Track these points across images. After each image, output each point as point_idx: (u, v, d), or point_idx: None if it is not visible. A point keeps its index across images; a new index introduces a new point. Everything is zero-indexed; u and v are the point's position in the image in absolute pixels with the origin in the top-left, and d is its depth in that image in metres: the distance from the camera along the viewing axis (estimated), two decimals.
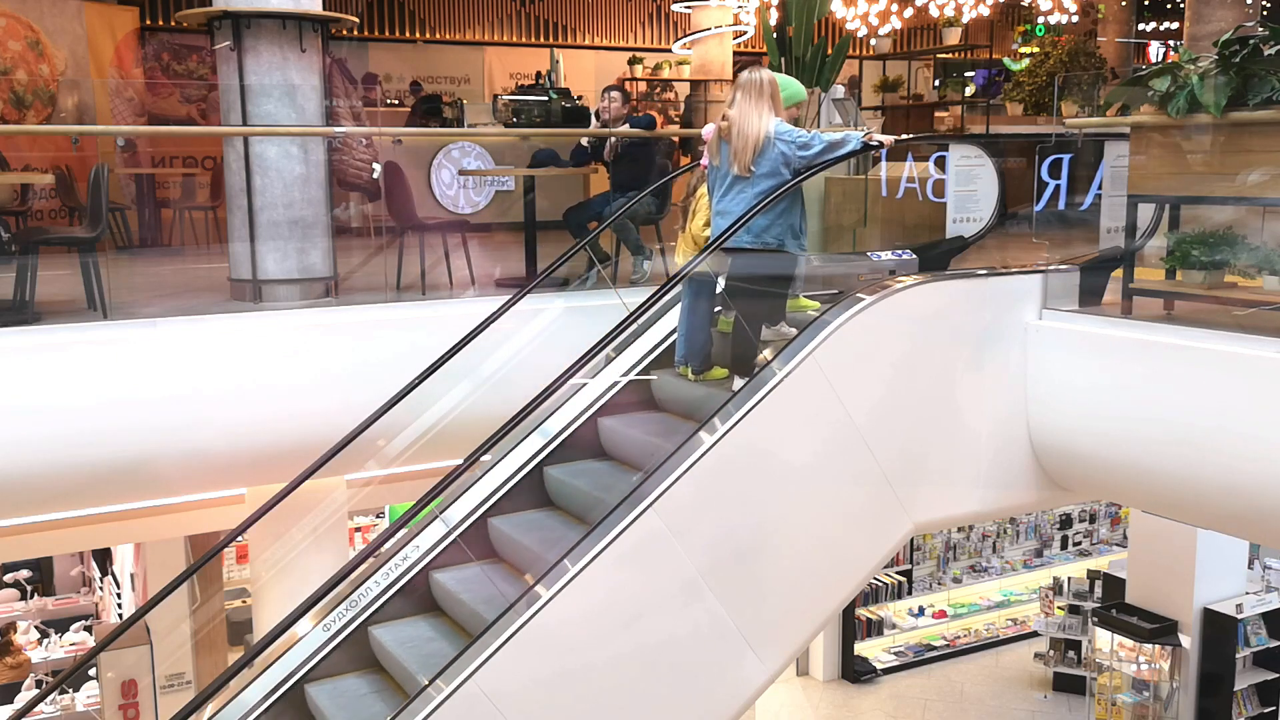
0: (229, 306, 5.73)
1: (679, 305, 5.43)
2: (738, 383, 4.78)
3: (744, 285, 5.10)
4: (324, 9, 5.95)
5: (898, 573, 11.68)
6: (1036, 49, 12.09)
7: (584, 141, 7.06)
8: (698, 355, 5.30)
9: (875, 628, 11.30)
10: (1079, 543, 12.78)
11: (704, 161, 5.35)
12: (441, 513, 5.07)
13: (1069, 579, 10.94)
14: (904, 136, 5.41)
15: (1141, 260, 5.20)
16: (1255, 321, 4.47)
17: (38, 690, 7.99)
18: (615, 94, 6.91)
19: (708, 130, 5.17)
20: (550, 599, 4.09)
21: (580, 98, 10.09)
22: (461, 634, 4.68)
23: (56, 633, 9.38)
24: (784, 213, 4.98)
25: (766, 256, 5.03)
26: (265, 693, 4.64)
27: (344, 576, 4.42)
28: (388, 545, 4.97)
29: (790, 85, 5.30)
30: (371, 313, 5.70)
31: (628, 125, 6.91)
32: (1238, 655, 9.06)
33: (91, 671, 8.25)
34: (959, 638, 11.60)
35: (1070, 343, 5.00)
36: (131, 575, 9.13)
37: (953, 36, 14.38)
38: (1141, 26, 19.31)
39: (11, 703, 8.25)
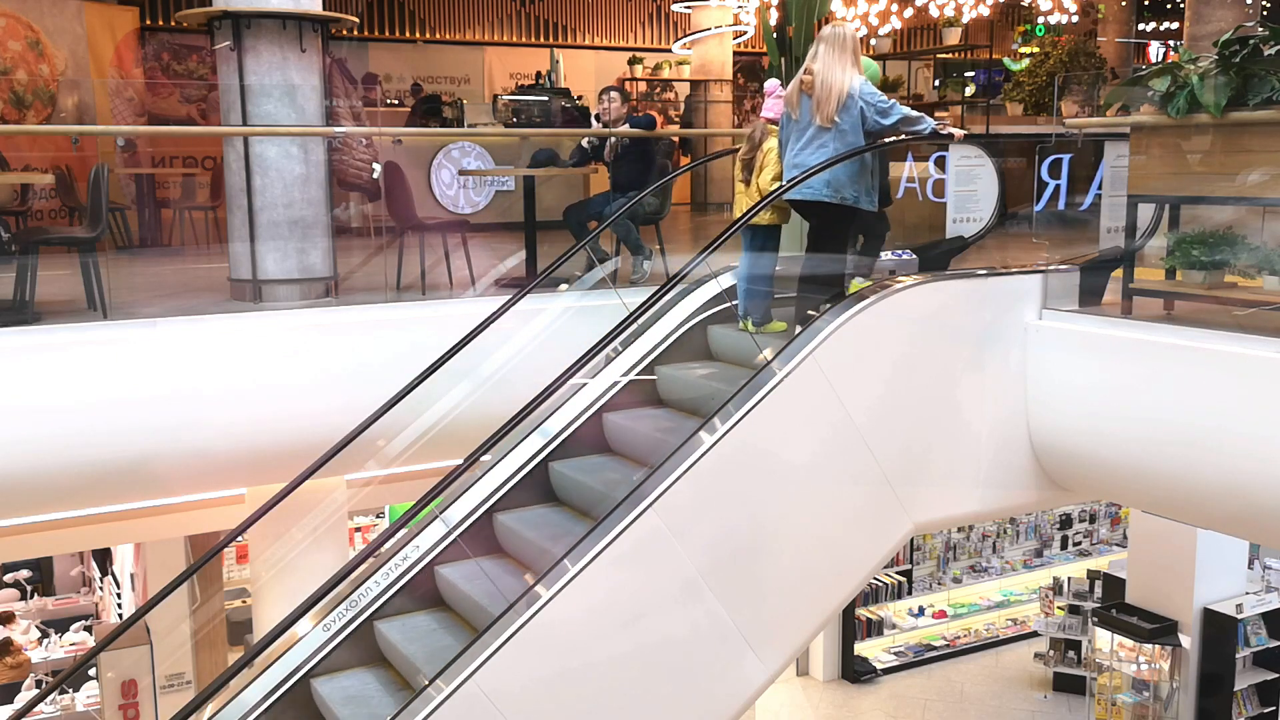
0: (229, 306, 5.73)
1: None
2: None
3: (824, 235, 5.26)
4: (324, 9, 5.95)
5: (898, 573, 11.68)
6: (1036, 49, 12.11)
7: (584, 142, 7.06)
8: (759, 309, 5.50)
9: (875, 628, 11.30)
10: (1079, 543, 12.78)
11: (765, 114, 5.47)
12: (441, 513, 5.07)
13: (1069, 579, 10.94)
14: (968, 131, 5.54)
15: (1141, 260, 5.21)
16: (1255, 321, 4.47)
17: (38, 690, 7.99)
18: (614, 94, 6.90)
19: (771, 84, 5.37)
20: (550, 599, 4.09)
21: (580, 98, 10.10)
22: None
23: (56, 633, 9.38)
24: (859, 173, 5.07)
25: (845, 210, 5.11)
26: (269, 690, 4.64)
27: (344, 576, 4.42)
28: (388, 545, 4.98)
29: (870, 66, 5.47)
30: (371, 313, 5.70)
31: (627, 125, 6.91)
32: (1238, 655, 9.06)
33: (91, 671, 8.25)
34: (959, 638, 11.60)
35: (1070, 343, 5.00)
36: (131, 575, 9.13)
37: (953, 36, 14.39)
38: (1141, 26, 19.31)
39: (11, 703, 8.25)
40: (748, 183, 5.60)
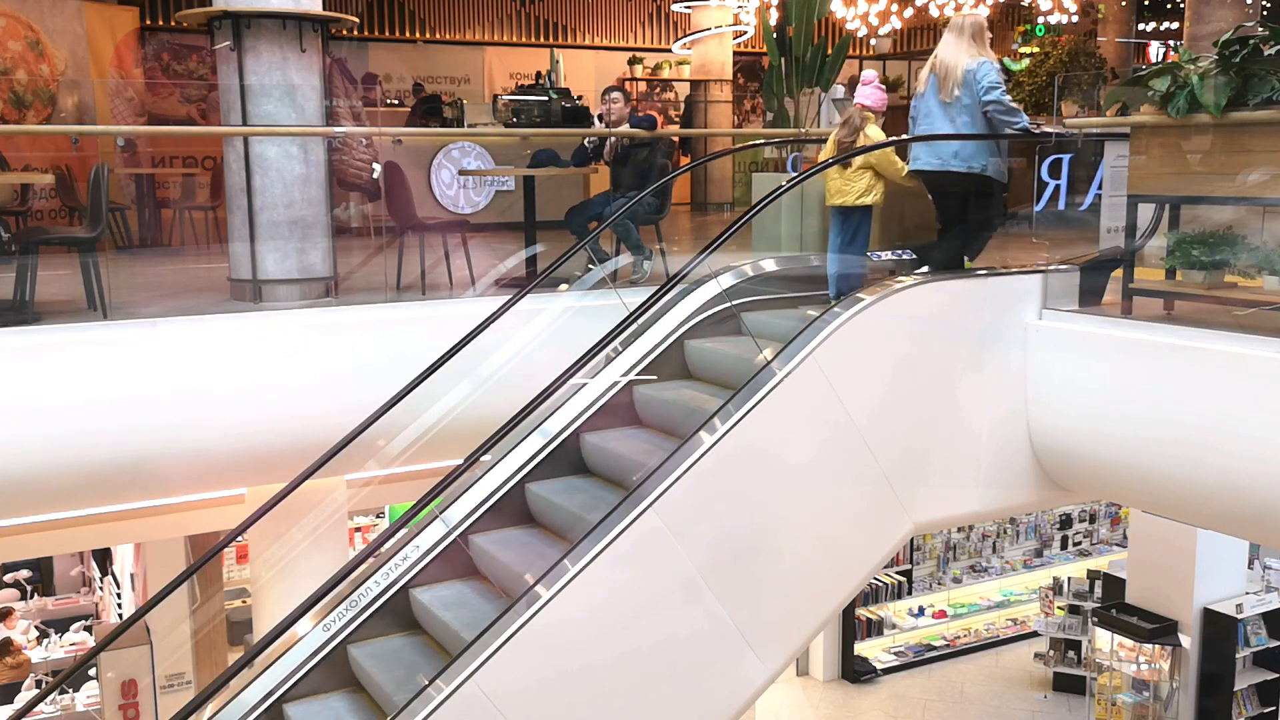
0: (229, 306, 5.73)
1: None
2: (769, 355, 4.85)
3: (952, 205, 5.57)
4: (324, 9, 5.95)
5: (898, 573, 11.68)
6: (1036, 49, 12.10)
7: (585, 141, 7.06)
8: (855, 291, 5.60)
9: (875, 628, 11.30)
10: (1079, 543, 12.78)
11: (861, 100, 5.87)
12: (441, 513, 5.07)
13: (1069, 579, 10.94)
14: (1060, 130, 5.73)
15: (1141, 260, 5.20)
16: (1255, 321, 4.47)
17: (38, 690, 7.99)
18: (618, 95, 6.90)
19: (869, 74, 5.92)
20: (550, 599, 4.09)
21: (580, 98, 10.09)
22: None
23: (56, 633, 9.38)
24: (981, 148, 5.41)
25: (973, 179, 5.40)
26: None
27: (344, 576, 4.42)
28: (388, 545, 4.97)
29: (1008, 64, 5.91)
30: (371, 313, 5.70)
31: (628, 126, 6.91)
32: (1238, 655, 9.06)
33: (91, 671, 8.25)
34: (959, 638, 11.60)
35: (1070, 343, 5.00)
36: (131, 575, 9.13)
37: None
38: (1141, 26, 19.30)
39: (11, 703, 8.25)
40: (846, 166, 5.81)
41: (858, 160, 5.67)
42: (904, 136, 5.73)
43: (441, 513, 5.07)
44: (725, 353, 5.50)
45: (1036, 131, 5.44)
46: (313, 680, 4.73)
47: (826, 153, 5.96)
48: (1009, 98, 5.44)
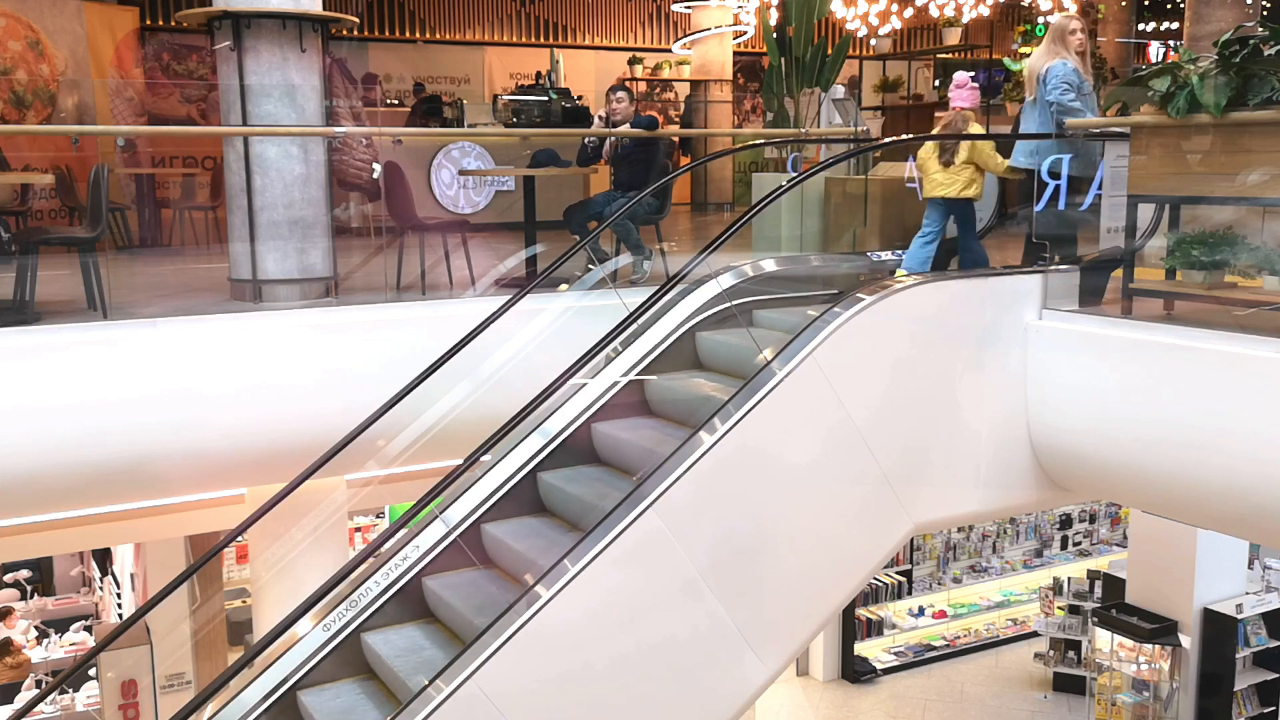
0: (229, 306, 5.73)
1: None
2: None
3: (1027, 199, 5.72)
4: (324, 9, 5.95)
5: (898, 573, 11.68)
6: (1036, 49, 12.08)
7: (586, 141, 7.06)
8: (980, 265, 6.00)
9: (875, 628, 11.30)
10: (1079, 543, 12.78)
11: (959, 104, 6.24)
12: (441, 513, 5.07)
13: (1069, 579, 10.94)
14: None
15: (1141, 260, 5.20)
16: (1255, 321, 4.47)
17: (38, 690, 7.99)
18: (622, 94, 6.91)
19: (961, 76, 6.23)
20: (550, 599, 4.09)
21: (580, 97, 10.09)
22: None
23: (56, 633, 9.38)
24: (1053, 144, 5.65)
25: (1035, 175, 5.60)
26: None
27: (344, 576, 4.42)
28: (388, 545, 4.97)
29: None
30: (371, 313, 5.70)
31: (629, 126, 6.91)
32: (1238, 655, 9.06)
33: (91, 671, 8.25)
34: (959, 638, 11.60)
35: (1070, 343, 5.00)
36: (131, 575, 9.13)
37: (953, 36, 14.39)
38: (1141, 26, 19.30)
39: (11, 703, 8.25)
40: (949, 164, 6.05)
41: (961, 156, 6.01)
42: (908, 137, 5.73)
43: (441, 512, 5.07)
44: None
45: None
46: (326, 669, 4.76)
47: (926, 154, 6.23)
48: (1071, 97, 5.65)
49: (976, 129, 6.21)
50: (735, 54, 14.87)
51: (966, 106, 6.22)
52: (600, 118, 7.09)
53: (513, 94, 10.36)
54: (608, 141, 6.86)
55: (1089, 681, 9.81)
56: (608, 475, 5.20)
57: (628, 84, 15.78)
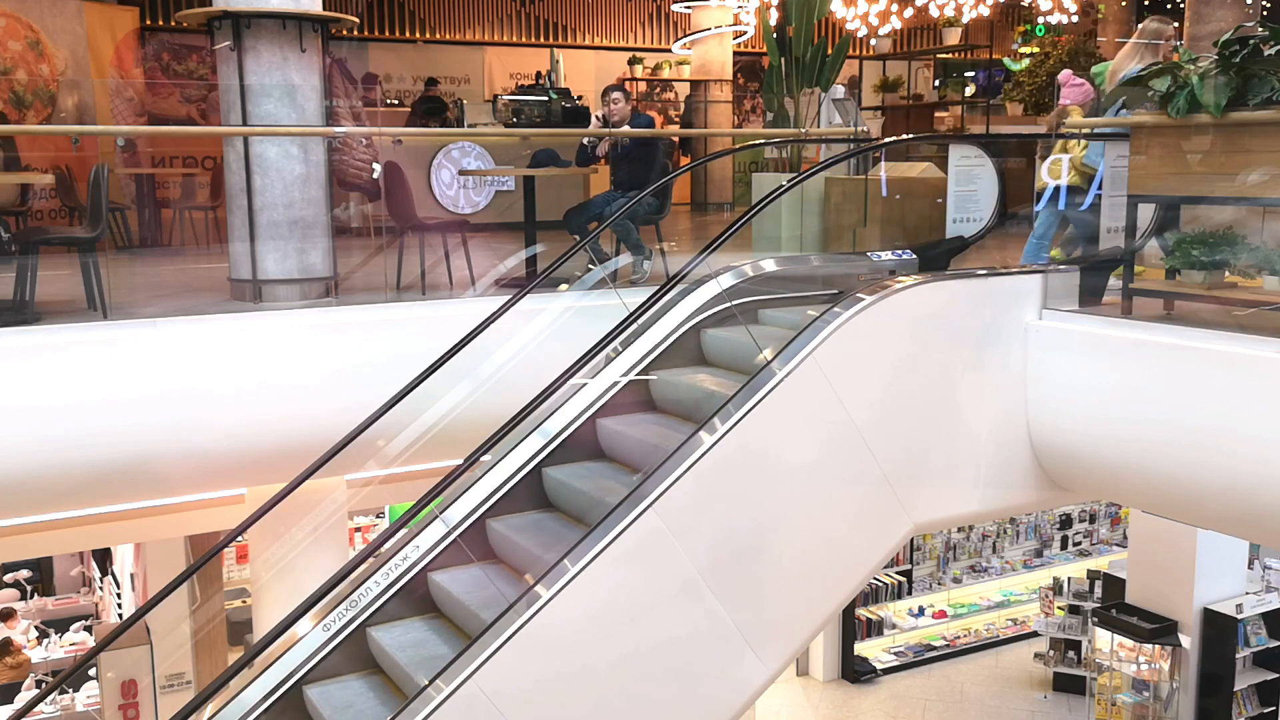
0: (229, 306, 5.73)
1: None
2: None
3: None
4: (324, 9, 5.94)
5: (898, 573, 11.68)
6: (1036, 49, 12.12)
7: (585, 141, 7.06)
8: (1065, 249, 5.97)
9: (875, 628, 11.30)
10: (1079, 543, 12.78)
11: (1065, 101, 6.42)
12: (441, 513, 5.07)
13: (1069, 579, 10.94)
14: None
15: (1141, 260, 5.21)
16: (1255, 321, 4.47)
17: (38, 690, 7.99)
18: (619, 95, 6.90)
19: (1065, 74, 6.47)
20: (550, 599, 4.09)
21: (580, 98, 10.09)
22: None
23: (56, 633, 9.38)
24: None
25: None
26: (269, 686, 4.65)
27: (344, 576, 4.42)
28: (388, 545, 4.97)
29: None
30: (371, 313, 5.70)
31: (628, 126, 6.91)
32: (1238, 655, 9.06)
33: (91, 671, 8.25)
34: (959, 638, 11.61)
35: (1070, 343, 5.00)
36: (131, 575, 9.13)
37: (953, 36, 14.39)
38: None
39: (11, 703, 8.25)
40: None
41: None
42: (908, 137, 5.72)
43: (441, 512, 5.07)
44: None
45: None
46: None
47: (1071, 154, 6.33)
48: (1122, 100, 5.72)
49: (1077, 116, 6.28)
50: (735, 54, 14.88)
51: (1075, 102, 6.36)
52: (598, 118, 7.09)
53: (513, 94, 10.35)
54: (604, 141, 6.86)
55: (1089, 681, 9.81)
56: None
57: (627, 84, 15.79)
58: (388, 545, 4.96)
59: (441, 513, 5.06)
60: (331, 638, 4.75)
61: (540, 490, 5.27)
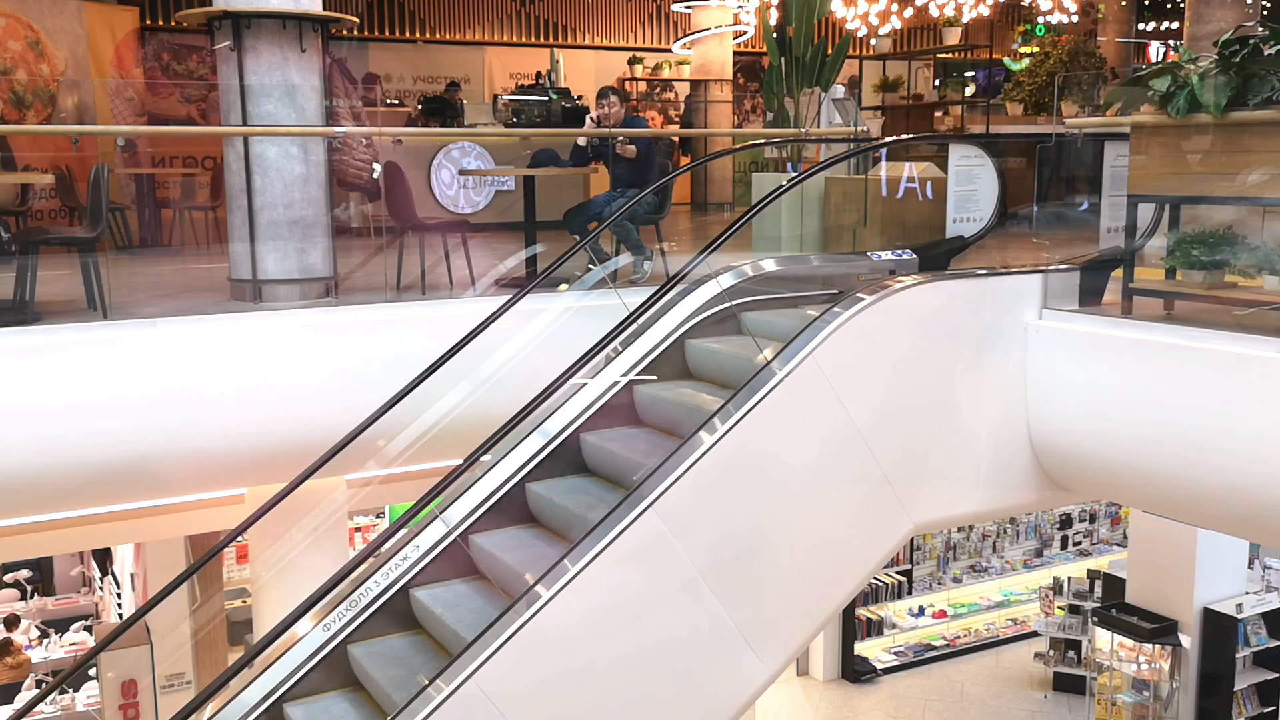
0: (229, 306, 5.72)
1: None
2: None
3: None
4: (324, 9, 5.94)
5: (898, 573, 11.68)
6: (1036, 49, 12.11)
7: (581, 142, 7.05)
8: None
9: (875, 628, 11.30)
10: (1079, 543, 12.78)
11: None
12: (441, 513, 5.07)
13: (1069, 579, 10.94)
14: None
15: (1141, 260, 5.20)
16: (1255, 321, 4.47)
17: (38, 690, 7.99)
18: (613, 97, 6.89)
19: None
20: (550, 599, 4.09)
21: (580, 98, 10.09)
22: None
23: (56, 633, 9.38)
24: None
25: None
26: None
27: (344, 576, 4.42)
28: (387, 545, 4.97)
29: None
30: (371, 313, 5.70)
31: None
32: (1238, 655, 9.06)
33: (91, 671, 8.25)
34: (959, 638, 11.61)
35: (1070, 343, 5.00)
36: (131, 575, 9.13)
37: (953, 36, 14.38)
38: (1141, 26, 19.30)
39: (11, 703, 8.25)
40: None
41: None
42: (908, 137, 5.71)
43: (441, 513, 5.07)
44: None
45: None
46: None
47: None
48: None
49: None
50: (735, 54, 14.87)
51: None
52: (593, 120, 7.08)
53: (513, 94, 10.35)
54: (605, 142, 6.85)
55: (1089, 681, 9.81)
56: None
57: (627, 84, 15.80)
58: (387, 545, 4.96)
59: (441, 513, 5.06)
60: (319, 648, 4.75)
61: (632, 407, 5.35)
